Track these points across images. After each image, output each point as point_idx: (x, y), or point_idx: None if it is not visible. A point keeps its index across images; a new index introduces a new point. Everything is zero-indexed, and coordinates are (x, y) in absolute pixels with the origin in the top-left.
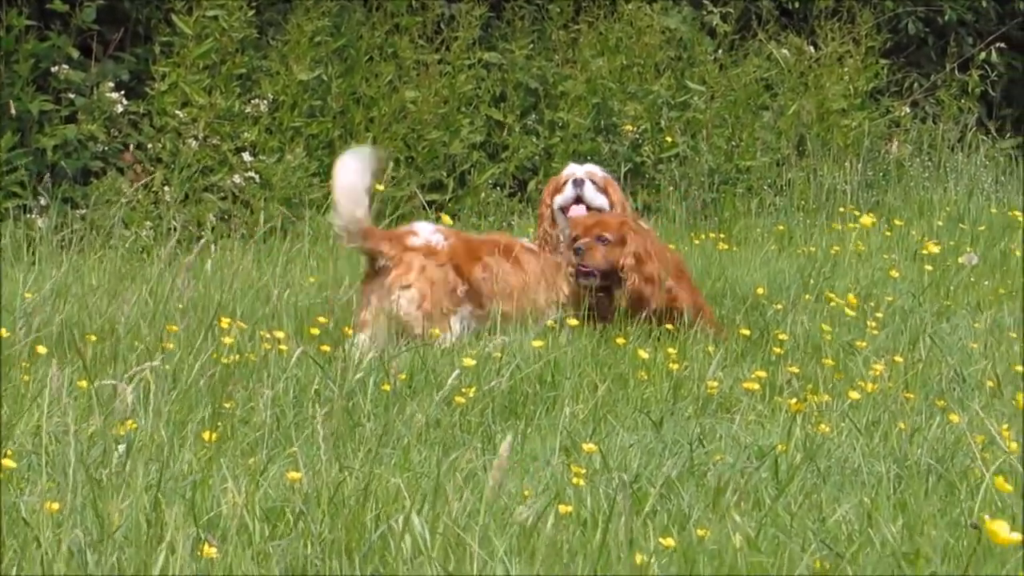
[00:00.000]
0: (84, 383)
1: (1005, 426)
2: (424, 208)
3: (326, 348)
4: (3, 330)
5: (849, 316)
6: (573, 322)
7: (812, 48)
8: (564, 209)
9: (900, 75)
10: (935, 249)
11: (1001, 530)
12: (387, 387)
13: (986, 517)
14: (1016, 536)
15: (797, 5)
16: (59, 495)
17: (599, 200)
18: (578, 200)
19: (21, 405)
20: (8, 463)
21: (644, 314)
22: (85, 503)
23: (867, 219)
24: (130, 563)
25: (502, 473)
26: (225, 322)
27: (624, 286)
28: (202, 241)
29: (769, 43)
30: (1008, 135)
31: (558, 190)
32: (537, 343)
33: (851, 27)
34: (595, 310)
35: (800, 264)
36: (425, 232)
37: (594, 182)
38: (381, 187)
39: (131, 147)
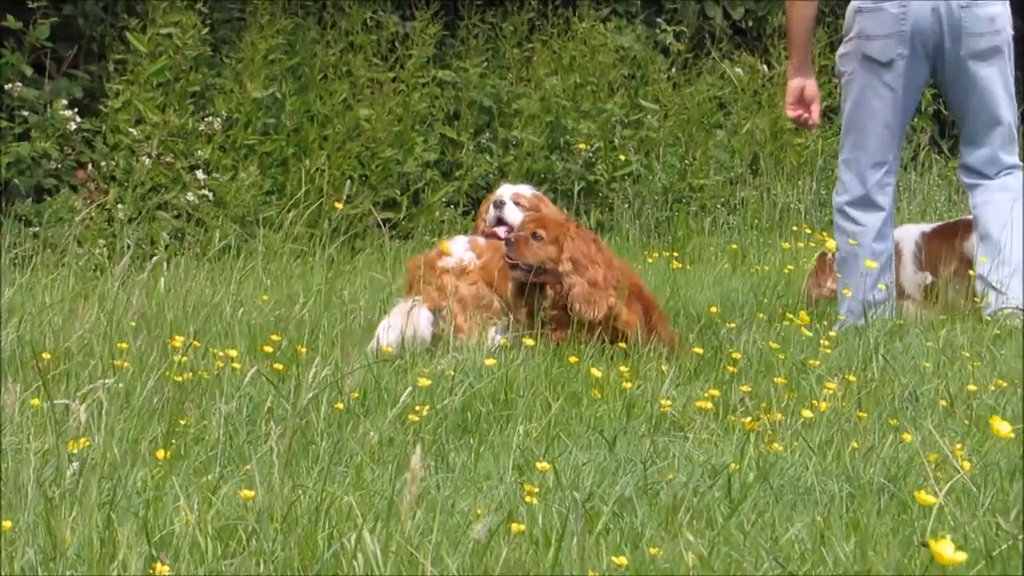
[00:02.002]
0: (37, 401)
1: (958, 445)
2: (379, 226)
3: (279, 366)
4: None
5: (804, 335)
6: (529, 342)
7: (766, 67)
8: (486, 233)
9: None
10: None
11: (945, 550)
12: (340, 405)
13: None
14: (961, 556)
15: (751, 24)
16: (12, 513)
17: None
18: (500, 222)
19: None
20: None
21: (592, 320)
22: (38, 521)
23: (820, 238)
24: None
25: (417, 487)
26: (178, 340)
27: (566, 291)
28: (155, 259)
29: (723, 62)
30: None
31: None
32: (490, 361)
33: None
34: (545, 320)
35: (753, 283)
36: (458, 251)
37: (519, 203)
38: (340, 205)
39: (87, 166)
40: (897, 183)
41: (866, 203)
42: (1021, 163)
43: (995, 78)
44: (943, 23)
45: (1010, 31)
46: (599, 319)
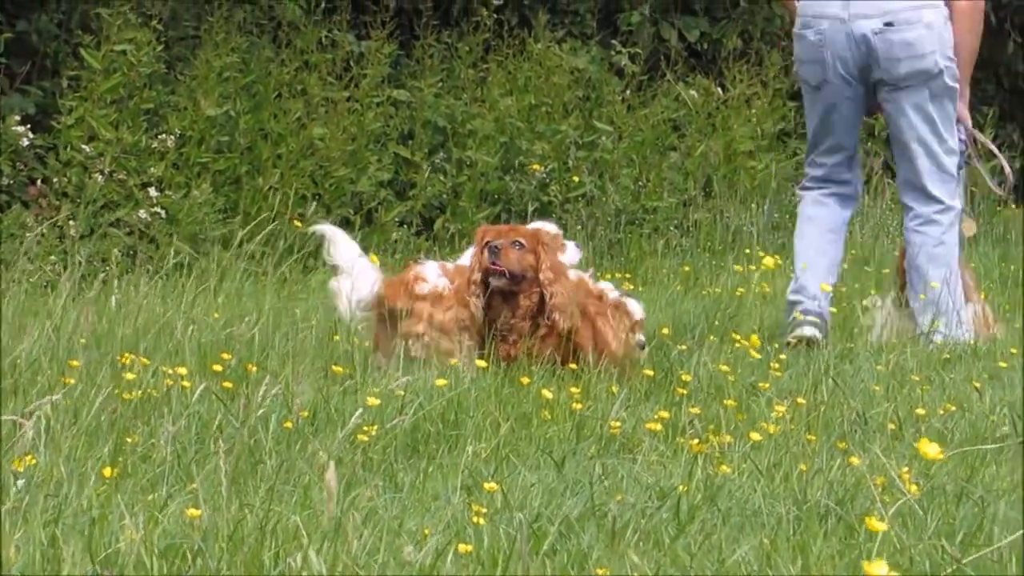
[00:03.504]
0: None
1: (905, 468)
2: None
3: (229, 385)
4: None
5: (754, 358)
6: (481, 363)
7: (720, 90)
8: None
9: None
10: (844, 288)
11: (878, 572)
12: (289, 424)
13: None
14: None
15: (706, 46)
16: None
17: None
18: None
19: None
20: None
21: (562, 330)
22: None
23: (770, 261)
24: None
25: (334, 503)
26: (127, 358)
27: (548, 299)
28: (101, 276)
29: (677, 84)
30: None
31: None
32: (440, 382)
33: (759, 69)
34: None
35: (705, 305)
36: (432, 277)
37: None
38: (299, 224)
39: (39, 182)
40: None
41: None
42: (947, 202)
43: (911, 108)
44: (860, 48)
45: (941, 58)
46: (566, 330)
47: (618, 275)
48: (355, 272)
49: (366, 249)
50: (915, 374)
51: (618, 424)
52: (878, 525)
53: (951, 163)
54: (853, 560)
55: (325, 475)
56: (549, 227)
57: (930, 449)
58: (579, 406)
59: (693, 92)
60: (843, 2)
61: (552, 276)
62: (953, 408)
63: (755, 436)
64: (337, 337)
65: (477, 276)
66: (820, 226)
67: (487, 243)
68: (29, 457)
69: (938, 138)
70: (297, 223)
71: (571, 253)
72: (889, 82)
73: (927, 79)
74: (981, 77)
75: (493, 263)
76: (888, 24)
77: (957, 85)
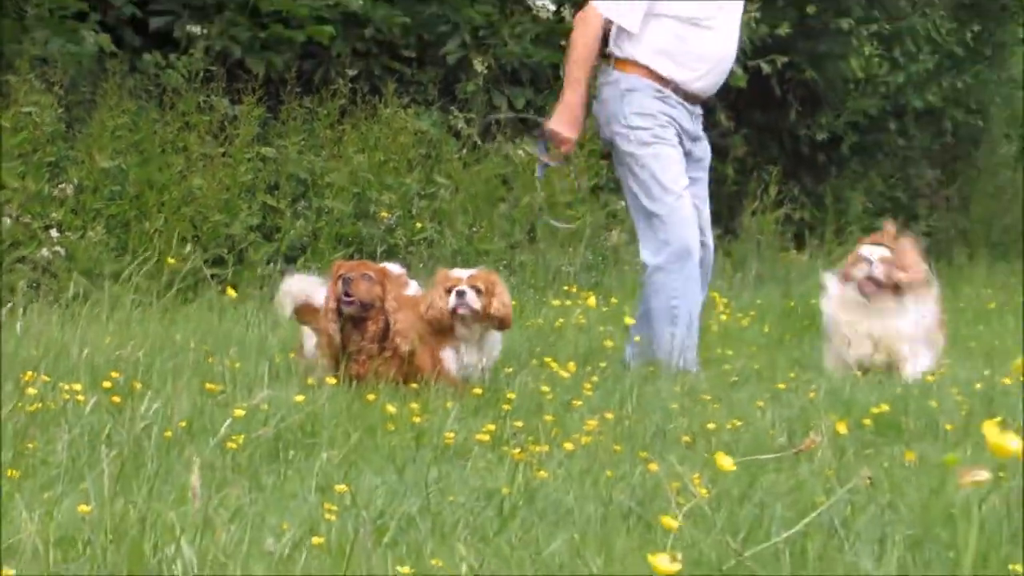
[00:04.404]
0: None
1: (696, 475)
2: (208, 280)
3: (117, 399)
4: None
5: (565, 378)
6: (332, 380)
7: None
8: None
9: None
10: None
11: (662, 563)
12: (169, 433)
13: (665, 552)
14: (676, 567)
15: (532, 112)
16: None
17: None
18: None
19: None
20: None
21: (403, 352)
22: None
23: (589, 298)
24: None
25: (199, 501)
26: (30, 375)
27: (393, 324)
28: (8, 305)
29: (507, 145)
30: None
31: None
32: (299, 397)
33: None
34: (351, 351)
35: (529, 334)
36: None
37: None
38: (172, 260)
39: None
40: None
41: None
42: (647, 260)
43: (620, 173)
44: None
45: (617, 126)
46: (407, 352)
47: None
48: (301, 282)
49: (235, 285)
50: (707, 394)
51: (451, 435)
52: (672, 523)
53: (648, 221)
54: (651, 552)
55: (193, 477)
56: (394, 267)
57: (725, 462)
58: (418, 419)
59: (520, 151)
60: None
61: (396, 305)
62: (739, 423)
63: (569, 446)
64: (212, 359)
65: (332, 304)
66: None
67: (341, 275)
68: None
69: (631, 198)
70: (170, 260)
71: (413, 289)
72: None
73: (616, 148)
74: (768, 141)
75: (346, 293)
76: (593, 97)
77: (635, 149)
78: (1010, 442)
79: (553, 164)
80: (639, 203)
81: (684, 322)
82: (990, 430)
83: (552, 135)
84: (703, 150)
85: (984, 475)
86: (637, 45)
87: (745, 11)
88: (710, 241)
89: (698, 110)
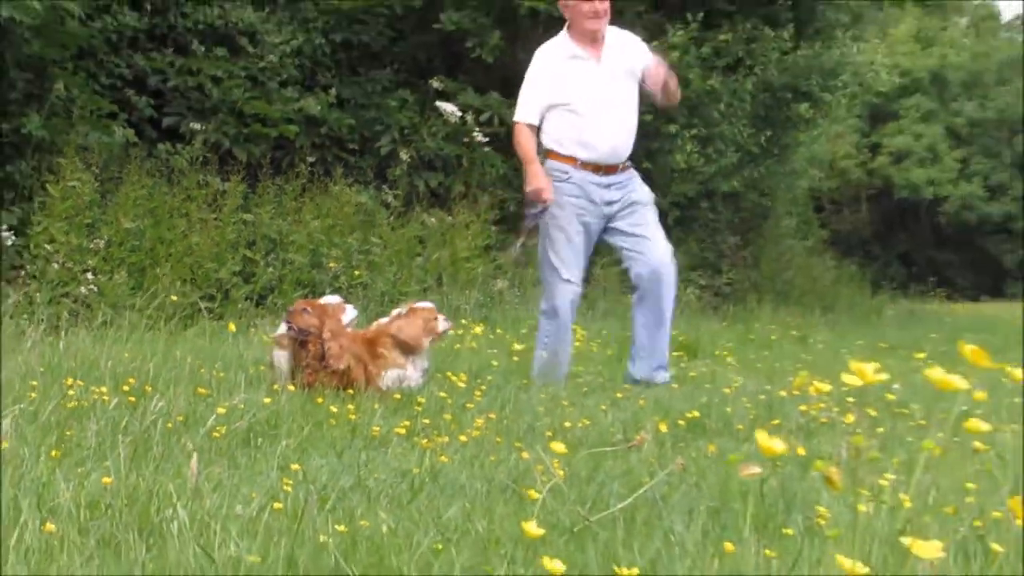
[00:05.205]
0: None
1: (557, 460)
2: (202, 312)
3: (133, 399)
4: None
5: (461, 387)
6: (291, 387)
7: (450, 217)
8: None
9: (503, 237)
10: (521, 347)
11: (530, 527)
12: (170, 425)
13: (531, 519)
14: (541, 531)
15: (443, 190)
16: None
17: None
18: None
19: None
20: None
21: (336, 369)
22: None
23: (478, 328)
24: None
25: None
26: (70, 381)
27: (326, 349)
28: (55, 328)
29: (423, 213)
30: None
31: None
32: (267, 399)
33: (475, 205)
34: (301, 366)
35: (434, 355)
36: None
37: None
38: (175, 298)
39: (20, 268)
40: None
41: None
42: (540, 306)
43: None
44: None
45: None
46: (340, 370)
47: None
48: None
49: (221, 316)
50: (565, 400)
51: (377, 428)
52: (537, 496)
53: (542, 280)
54: (522, 518)
55: (191, 460)
56: (334, 298)
57: (558, 447)
58: (353, 416)
59: (433, 219)
60: None
61: (329, 334)
62: (588, 422)
63: (463, 438)
64: (203, 370)
65: (285, 330)
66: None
67: (289, 310)
68: (4, 443)
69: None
70: (174, 297)
71: (350, 313)
72: None
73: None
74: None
75: (287, 323)
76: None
77: (546, 225)
78: (776, 444)
79: (537, 211)
80: (541, 266)
81: (551, 352)
82: (760, 435)
83: (532, 194)
84: (635, 195)
85: (757, 470)
86: (545, 135)
87: None
88: (669, 260)
89: (614, 177)
